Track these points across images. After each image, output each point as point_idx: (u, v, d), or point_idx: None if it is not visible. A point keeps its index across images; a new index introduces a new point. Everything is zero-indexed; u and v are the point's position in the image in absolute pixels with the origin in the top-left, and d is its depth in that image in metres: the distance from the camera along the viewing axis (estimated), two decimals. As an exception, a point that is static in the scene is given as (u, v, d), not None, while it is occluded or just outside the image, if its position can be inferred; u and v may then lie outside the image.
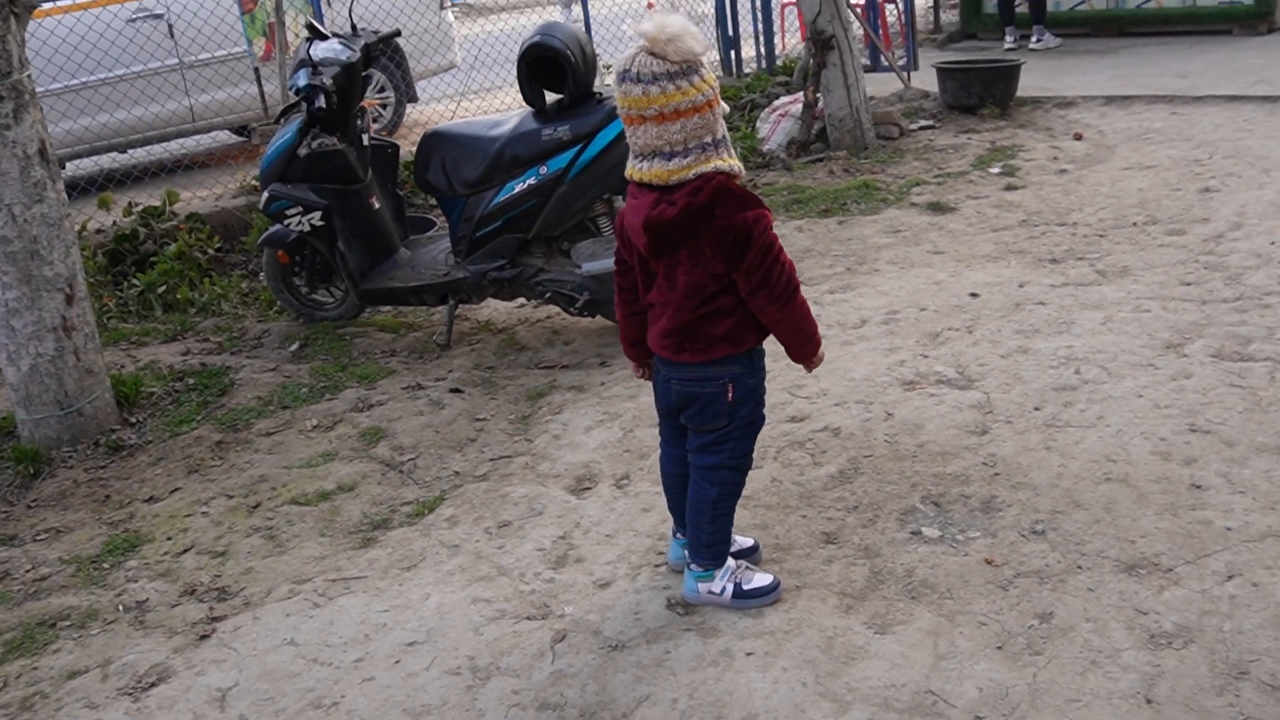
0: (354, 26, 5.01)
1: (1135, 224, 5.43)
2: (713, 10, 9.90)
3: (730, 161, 2.55)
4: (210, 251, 6.24)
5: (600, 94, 4.45)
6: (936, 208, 6.06)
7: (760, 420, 2.80)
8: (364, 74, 4.90)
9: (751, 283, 2.58)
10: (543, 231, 4.56)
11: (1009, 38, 10.34)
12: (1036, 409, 3.68)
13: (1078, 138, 7.15)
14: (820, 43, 7.17)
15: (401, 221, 5.26)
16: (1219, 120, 7.07)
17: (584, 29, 8.65)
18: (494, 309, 5.35)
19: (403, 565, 3.25)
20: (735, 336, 2.68)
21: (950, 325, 4.46)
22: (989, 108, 7.90)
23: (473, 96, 9.64)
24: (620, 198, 4.55)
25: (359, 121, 4.97)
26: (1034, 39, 10.18)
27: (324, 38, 4.83)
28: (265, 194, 4.85)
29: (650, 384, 2.93)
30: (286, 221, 4.87)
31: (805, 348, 2.73)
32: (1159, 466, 3.26)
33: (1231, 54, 8.87)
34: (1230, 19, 9.71)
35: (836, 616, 2.76)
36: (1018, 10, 10.31)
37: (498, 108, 8.93)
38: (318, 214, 4.82)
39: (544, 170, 4.41)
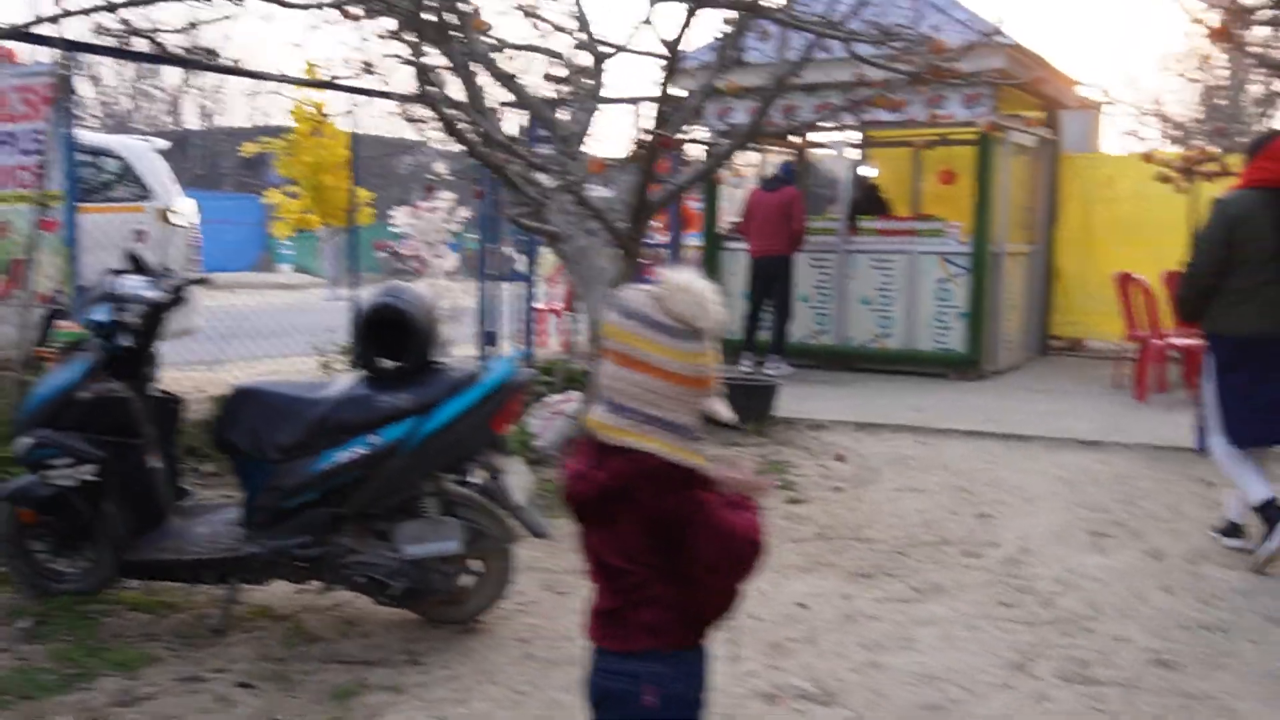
0: (140, 264, 4.52)
1: (930, 543, 5.56)
2: (475, 305, 9.92)
3: (671, 450, 2.19)
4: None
5: (444, 364, 4.16)
6: (731, 514, 6.00)
7: None
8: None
9: (708, 572, 2.26)
10: (363, 507, 4.10)
11: (745, 363, 10.88)
12: (911, 729, 3.50)
13: (839, 459, 7.43)
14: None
15: (174, 486, 4.62)
16: (964, 452, 7.56)
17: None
18: (272, 592, 4.70)
19: None
20: (662, 630, 2.30)
21: (788, 635, 4.28)
22: (749, 424, 8.14)
23: (203, 366, 8.97)
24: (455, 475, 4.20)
25: (150, 369, 4.42)
26: (770, 365, 10.76)
27: (130, 271, 4.33)
28: (29, 439, 4.14)
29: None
30: (47, 473, 4.15)
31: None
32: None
33: (953, 394, 9.68)
34: (946, 364, 10.68)
35: None
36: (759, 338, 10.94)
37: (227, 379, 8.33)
38: (91, 468, 4.14)
39: (376, 439, 4.00)
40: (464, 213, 9.55)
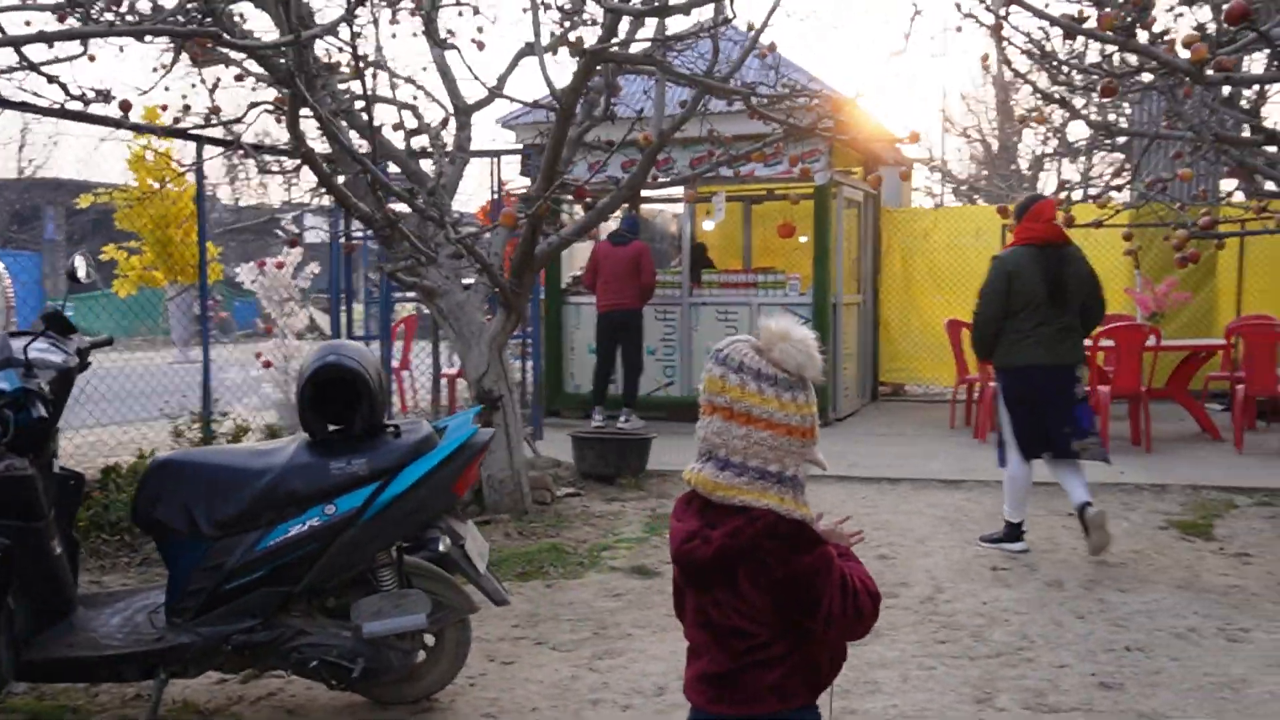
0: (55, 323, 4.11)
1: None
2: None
3: (790, 505, 2.17)
4: None
5: (397, 426, 3.93)
6: (642, 571, 5.92)
7: None
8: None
9: (835, 628, 2.23)
10: (317, 584, 3.82)
11: (597, 417, 10.82)
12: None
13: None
14: (488, 402, 7.02)
15: (75, 573, 4.18)
16: (841, 496, 7.72)
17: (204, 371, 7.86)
18: (189, 685, 4.29)
19: None
20: (785, 689, 2.25)
21: (753, 688, 4.22)
22: (626, 478, 8.08)
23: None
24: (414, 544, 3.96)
25: (54, 444, 4.00)
26: (622, 418, 10.73)
27: (27, 333, 3.92)
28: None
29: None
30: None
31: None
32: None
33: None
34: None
35: None
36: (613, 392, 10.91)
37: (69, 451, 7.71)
38: (-4, 557, 3.69)
39: (331, 510, 3.74)
40: (314, 269, 9.14)
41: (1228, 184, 11.70)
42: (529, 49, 7.60)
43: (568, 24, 7.57)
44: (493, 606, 4.14)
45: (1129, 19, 4.40)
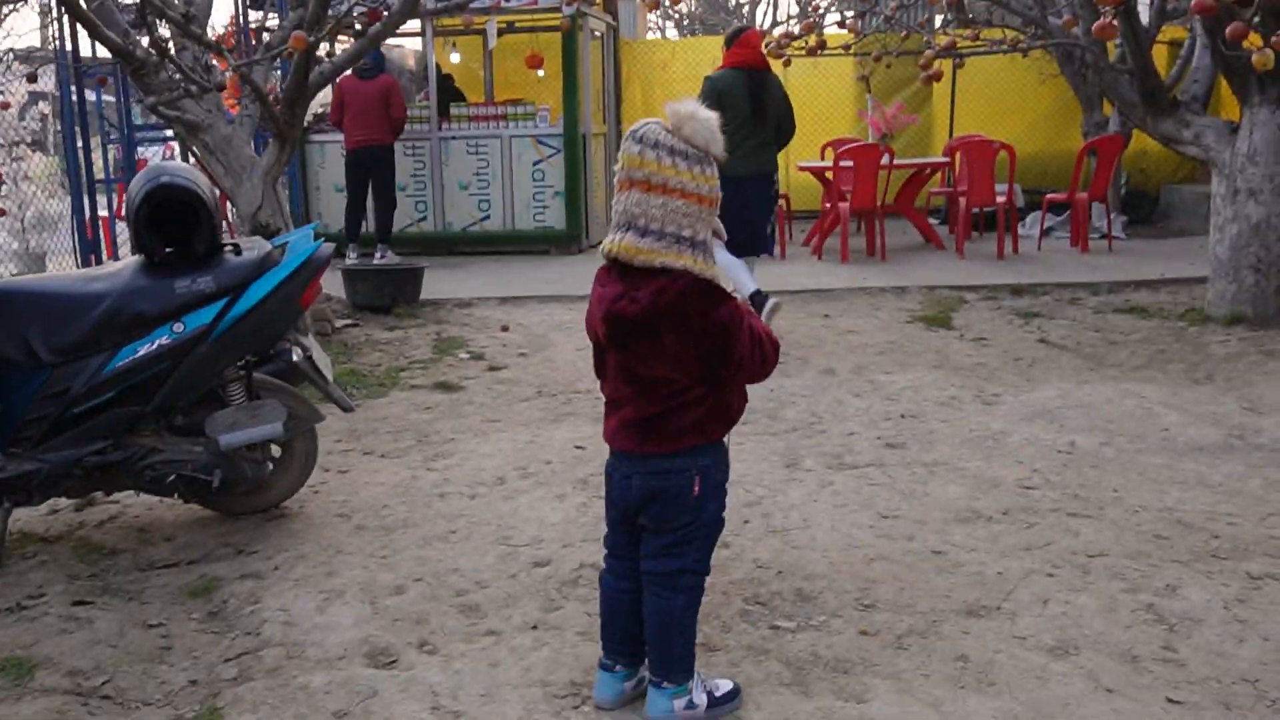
0: None
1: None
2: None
3: (701, 266, 2.47)
4: None
5: (236, 244, 3.94)
6: (445, 386, 6.13)
7: (722, 522, 2.72)
8: None
9: (745, 371, 2.57)
10: (168, 402, 3.82)
11: (352, 254, 10.71)
12: (746, 522, 3.98)
13: (505, 329, 7.72)
14: (266, 235, 6.90)
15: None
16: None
17: None
18: (19, 517, 4.22)
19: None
20: (705, 427, 2.60)
21: (591, 473, 4.59)
22: (401, 307, 8.17)
23: None
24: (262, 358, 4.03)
25: None
26: (378, 254, 10.67)
27: None
28: None
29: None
30: None
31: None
32: (892, 544, 3.74)
33: (566, 267, 10.21)
34: (547, 241, 11.19)
35: (811, 702, 2.75)
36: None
37: None
38: None
39: (180, 328, 3.73)
40: (43, 109, 8.49)
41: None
42: None
43: None
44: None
45: None
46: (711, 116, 2.48)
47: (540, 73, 12.68)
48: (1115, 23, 4.82)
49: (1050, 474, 4.40)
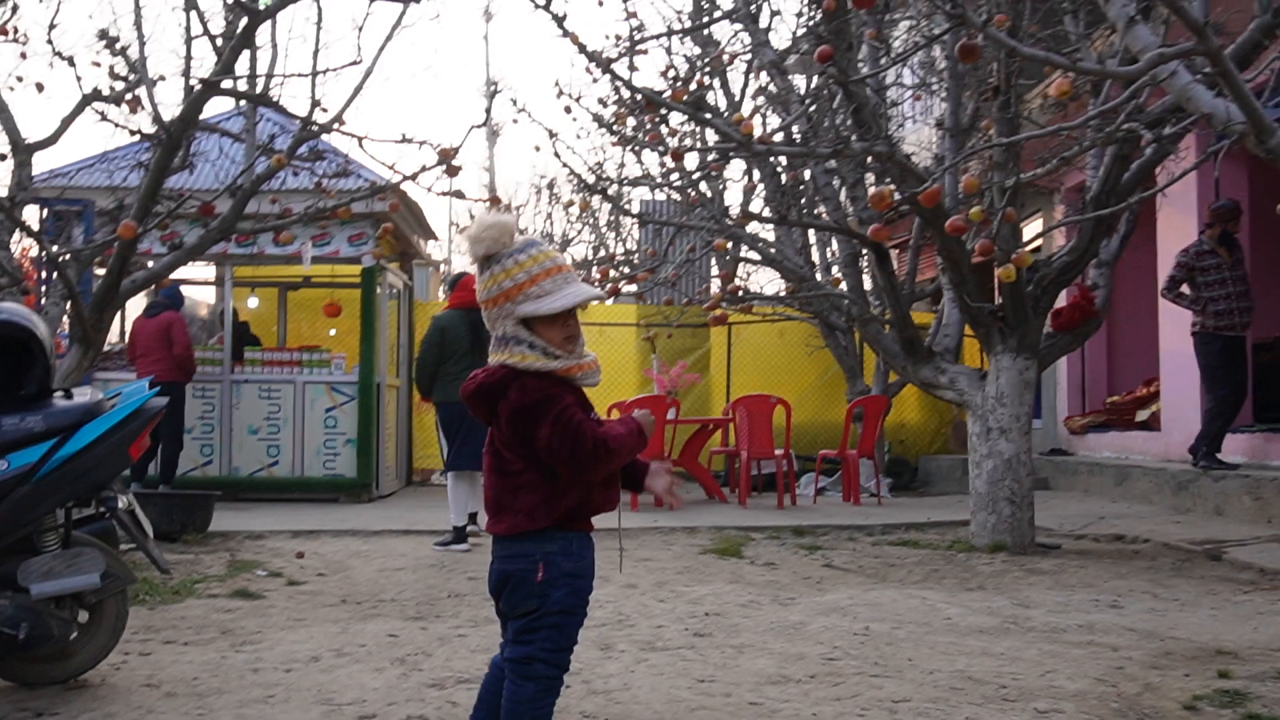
0: None
1: (452, 596, 6.06)
2: None
3: (517, 358, 2.70)
4: None
5: (67, 389, 3.92)
6: (245, 594, 5.95)
7: (578, 614, 2.80)
8: None
9: (555, 458, 2.67)
10: (-21, 546, 3.67)
11: (133, 486, 10.32)
12: (567, 686, 4.04)
13: (300, 556, 7.55)
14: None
15: None
16: (411, 545, 8.08)
17: None
18: None
19: None
20: (536, 513, 2.71)
21: (409, 653, 4.54)
22: (190, 535, 7.91)
23: None
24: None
25: None
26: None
27: None
28: None
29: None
30: None
31: (633, 455, 2.84)
32: (711, 699, 3.88)
33: (357, 512, 10.13)
34: (336, 489, 11.09)
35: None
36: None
37: None
38: None
39: (3, 465, 3.65)
40: None
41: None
42: (95, 95, 7.56)
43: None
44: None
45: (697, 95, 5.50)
46: (475, 225, 2.80)
47: (333, 332, 12.97)
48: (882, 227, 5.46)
49: (850, 650, 4.66)
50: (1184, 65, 4.01)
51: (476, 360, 7.51)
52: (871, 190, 6.22)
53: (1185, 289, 8.95)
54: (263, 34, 7.17)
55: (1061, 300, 7.92)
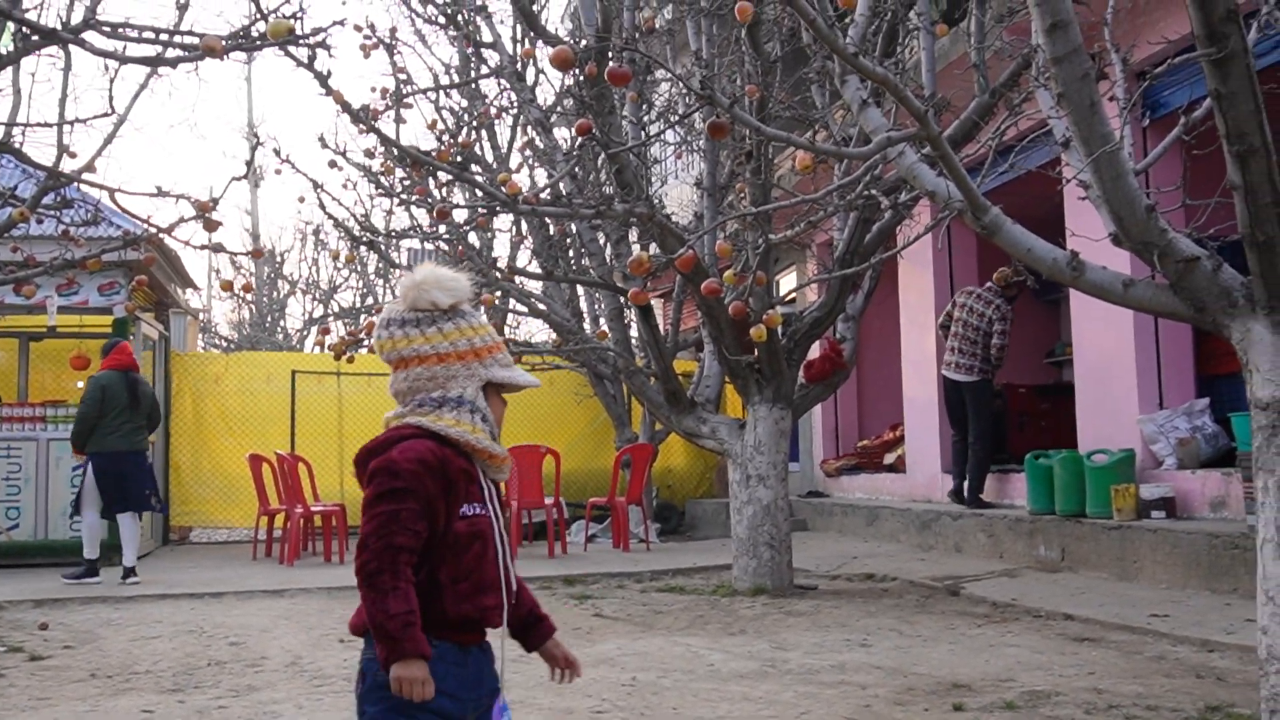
0: None
1: (211, 665, 5.85)
2: None
3: (443, 423, 2.35)
4: None
5: None
6: (20, 651, 5.61)
7: None
8: None
9: (360, 541, 2.29)
10: None
11: None
12: None
13: (44, 627, 7.11)
14: None
15: None
16: (169, 610, 7.73)
17: None
18: None
19: None
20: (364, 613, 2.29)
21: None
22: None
23: None
24: None
25: None
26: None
27: None
28: None
29: None
30: None
31: (379, 644, 2.24)
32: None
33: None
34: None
35: None
36: None
37: None
38: None
39: None
40: None
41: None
42: None
43: None
44: None
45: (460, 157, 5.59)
46: (439, 272, 2.43)
47: (80, 384, 12.25)
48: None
49: (617, 702, 4.80)
50: (910, 146, 4.40)
51: (134, 415, 8.95)
52: (634, 253, 6.46)
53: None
54: (4, 79, 6.84)
55: (814, 352, 8.38)
